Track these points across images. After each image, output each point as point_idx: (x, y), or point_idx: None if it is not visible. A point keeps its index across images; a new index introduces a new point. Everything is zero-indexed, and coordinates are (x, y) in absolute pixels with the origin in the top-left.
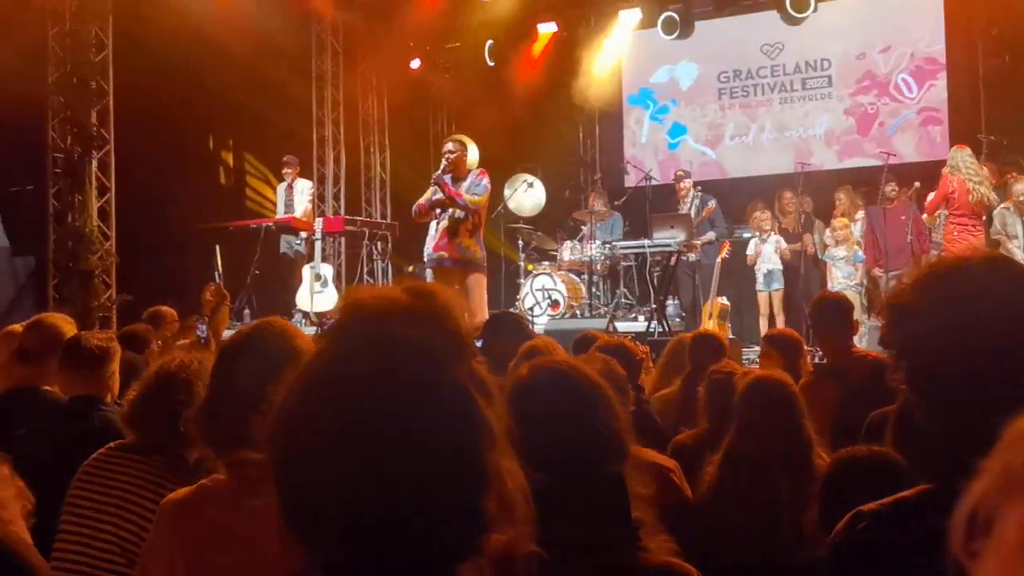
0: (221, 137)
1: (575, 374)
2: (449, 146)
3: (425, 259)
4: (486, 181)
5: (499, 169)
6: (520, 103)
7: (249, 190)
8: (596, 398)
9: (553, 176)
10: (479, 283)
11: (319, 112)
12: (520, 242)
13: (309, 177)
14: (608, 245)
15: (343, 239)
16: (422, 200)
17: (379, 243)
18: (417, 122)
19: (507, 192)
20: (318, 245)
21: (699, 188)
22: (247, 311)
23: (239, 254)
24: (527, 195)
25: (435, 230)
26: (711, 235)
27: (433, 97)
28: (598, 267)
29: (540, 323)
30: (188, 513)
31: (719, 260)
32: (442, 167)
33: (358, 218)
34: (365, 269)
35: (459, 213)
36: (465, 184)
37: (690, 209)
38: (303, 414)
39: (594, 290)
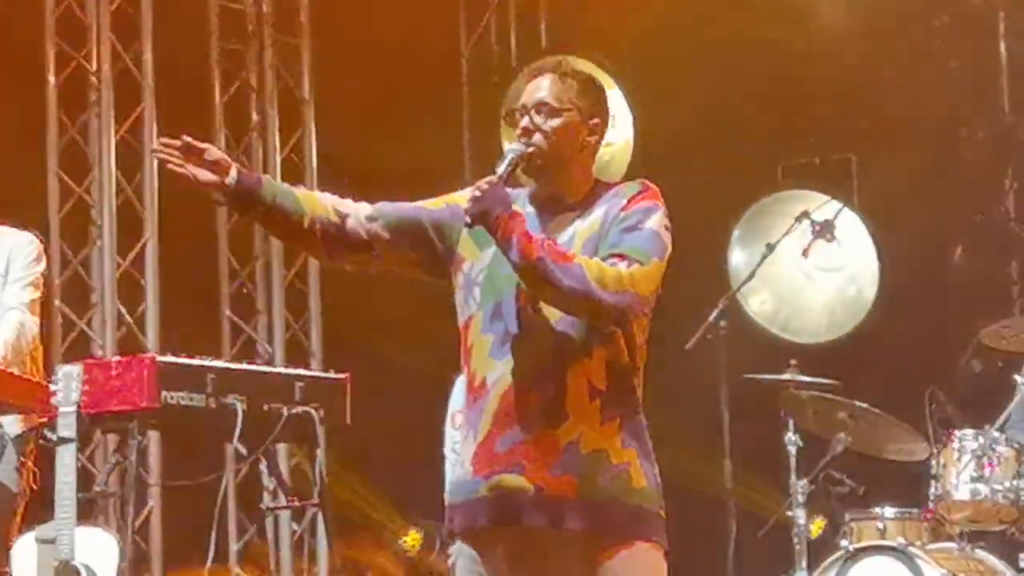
0: None
1: None
2: (541, 90)
3: (447, 499)
4: (659, 219)
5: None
6: None
7: None
8: None
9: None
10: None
11: None
12: (790, 438)
13: (33, 222)
14: None
15: (156, 437)
16: None
17: (289, 452)
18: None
19: (736, 259)
20: (66, 459)
21: None
22: None
23: None
24: (814, 268)
25: (476, 396)
26: None
27: None
28: None
29: None
30: None
31: None
32: (505, 162)
33: (211, 363)
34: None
35: (564, 324)
36: (589, 221)
37: None
38: None
39: None
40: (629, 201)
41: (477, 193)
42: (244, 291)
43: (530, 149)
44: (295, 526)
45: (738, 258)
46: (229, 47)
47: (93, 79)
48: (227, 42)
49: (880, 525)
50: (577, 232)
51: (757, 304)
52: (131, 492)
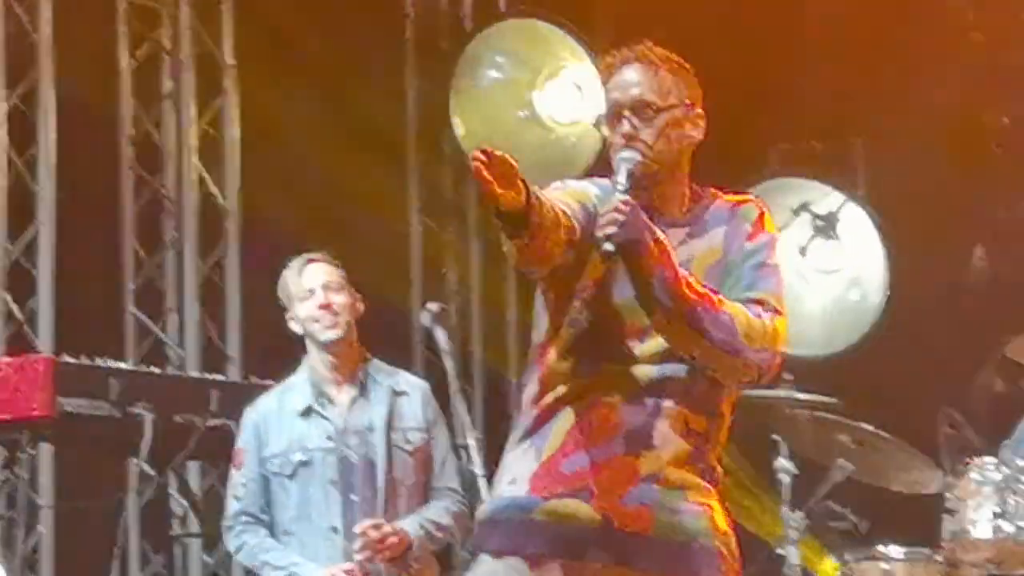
0: None
1: None
2: (634, 85)
3: (479, 515)
4: (777, 252)
5: None
6: None
7: None
8: None
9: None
10: None
11: None
12: (782, 464)
13: None
14: None
15: (49, 450)
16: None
17: (203, 471)
18: None
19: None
20: None
21: None
22: None
23: None
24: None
25: (546, 411)
26: None
27: None
28: None
29: None
30: None
31: None
32: (624, 175)
33: (115, 366)
34: None
35: (671, 367)
36: (707, 244)
37: None
38: None
39: None
40: (753, 228)
41: (620, 217)
42: (152, 285)
43: (644, 158)
44: (207, 558)
45: None
46: (139, 4)
47: None
48: None
49: (886, 567)
50: (695, 256)
51: None
52: (20, 514)
